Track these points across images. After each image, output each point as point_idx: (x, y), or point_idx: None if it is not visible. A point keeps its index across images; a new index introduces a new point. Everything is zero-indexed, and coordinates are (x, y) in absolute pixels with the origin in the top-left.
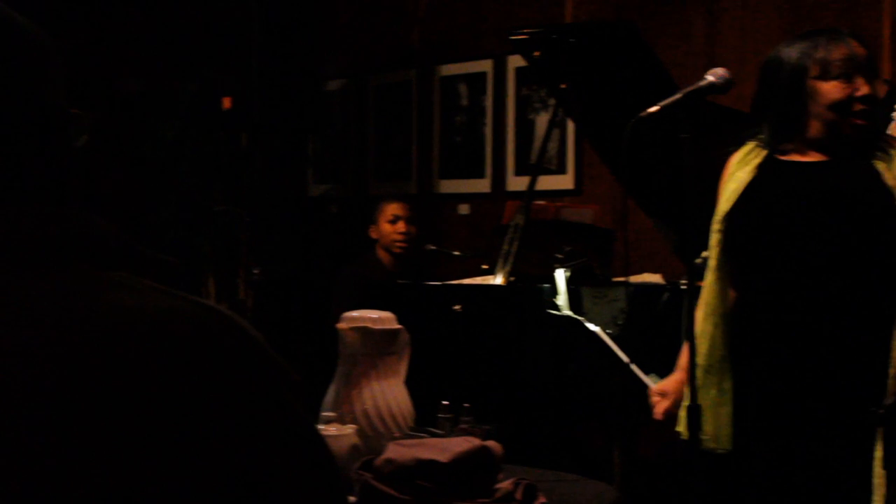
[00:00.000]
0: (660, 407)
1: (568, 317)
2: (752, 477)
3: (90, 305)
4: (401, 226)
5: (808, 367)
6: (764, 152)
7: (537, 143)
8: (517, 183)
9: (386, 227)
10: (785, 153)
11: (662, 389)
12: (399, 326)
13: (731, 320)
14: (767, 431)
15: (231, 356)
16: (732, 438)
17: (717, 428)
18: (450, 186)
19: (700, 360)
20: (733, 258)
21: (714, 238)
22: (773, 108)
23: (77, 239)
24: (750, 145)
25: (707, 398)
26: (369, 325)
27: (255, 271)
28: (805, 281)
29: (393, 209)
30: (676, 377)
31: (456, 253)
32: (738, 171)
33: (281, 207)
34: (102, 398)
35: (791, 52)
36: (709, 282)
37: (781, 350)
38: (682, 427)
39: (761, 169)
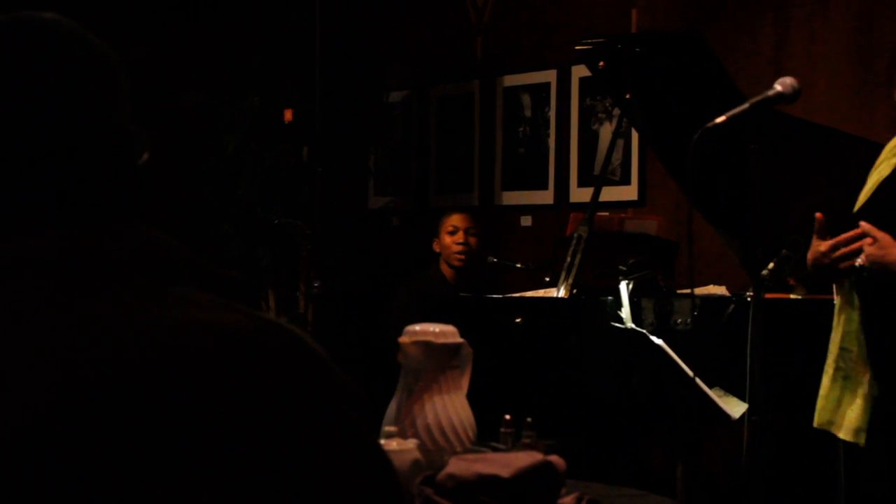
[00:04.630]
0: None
1: (631, 330)
2: (879, 473)
3: (155, 320)
4: (460, 237)
5: None
6: None
7: (601, 154)
8: (580, 194)
9: (446, 239)
10: None
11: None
12: (461, 340)
13: (869, 316)
14: None
15: (294, 371)
16: (866, 434)
17: (846, 418)
18: (512, 198)
19: (836, 350)
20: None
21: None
22: None
23: (141, 254)
24: None
25: (844, 389)
26: (431, 338)
27: (316, 285)
28: None
29: (453, 221)
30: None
31: (518, 265)
32: (885, 162)
33: (342, 220)
34: (167, 413)
35: None
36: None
37: None
38: (816, 415)
39: None
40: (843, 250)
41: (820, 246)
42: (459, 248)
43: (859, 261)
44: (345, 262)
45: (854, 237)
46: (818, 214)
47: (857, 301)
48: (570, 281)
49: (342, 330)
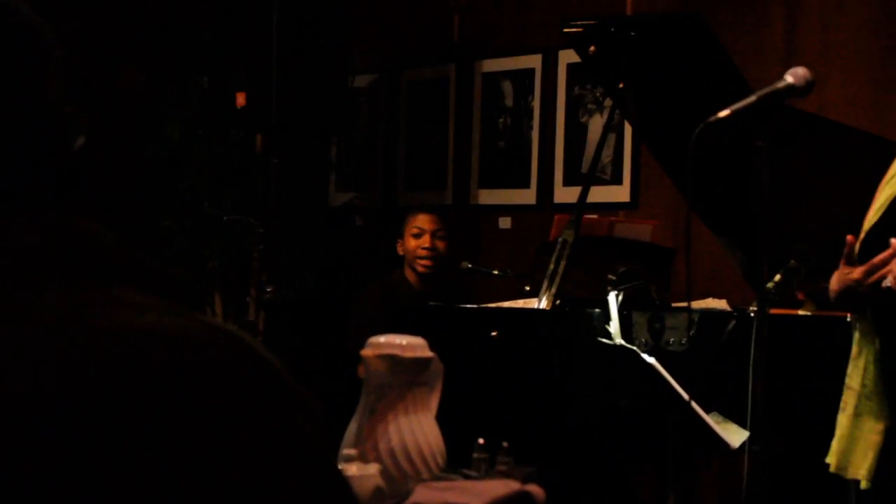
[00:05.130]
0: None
1: (621, 346)
2: None
3: (87, 326)
4: (426, 241)
5: None
6: None
7: (590, 150)
8: (566, 194)
9: (410, 242)
10: None
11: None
12: (431, 354)
13: (887, 348)
14: None
15: (245, 383)
16: (875, 473)
17: (864, 459)
18: (490, 197)
19: (857, 386)
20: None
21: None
22: None
23: (76, 251)
24: None
25: (861, 429)
26: (398, 352)
27: (268, 290)
28: None
29: (418, 222)
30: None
31: (495, 272)
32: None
33: (299, 218)
34: (102, 432)
35: None
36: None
37: None
38: (832, 458)
39: None
40: (879, 274)
41: (852, 273)
42: (424, 252)
43: (887, 282)
44: (301, 265)
45: (887, 259)
46: (849, 238)
47: (877, 332)
48: (553, 291)
49: (297, 340)
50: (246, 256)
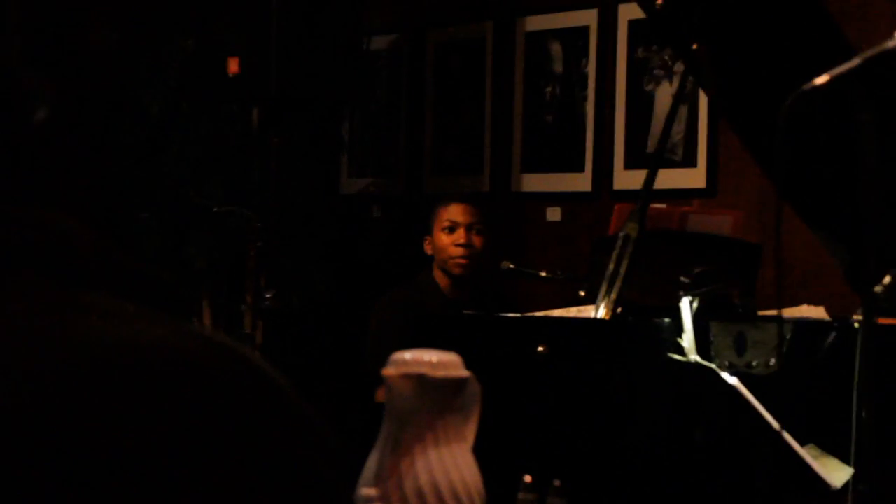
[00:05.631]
0: None
1: (696, 364)
2: None
3: (57, 337)
4: (460, 236)
5: None
6: None
7: (657, 125)
8: (628, 179)
9: (442, 239)
10: None
11: None
12: (467, 374)
13: None
14: None
15: (247, 409)
16: None
17: None
18: (536, 183)
19: None
20: None
21: None
22: None
23: (41, 248)
24: None
25: None
26: (427, 371)
27: (268, 296)
28: None
29: (451, 214)
30: None
31: (542, 274)
32: None
33: (305, 210)
34: (75, 461)
35: None
36: None
37: None
38: None
39: None
40: None
41: None
42: (459, 251)
43: None
44: (308, 267)
45: None
46: None
47: None
48: (614, 297)
49: (303, 358)
50: (240, 256)
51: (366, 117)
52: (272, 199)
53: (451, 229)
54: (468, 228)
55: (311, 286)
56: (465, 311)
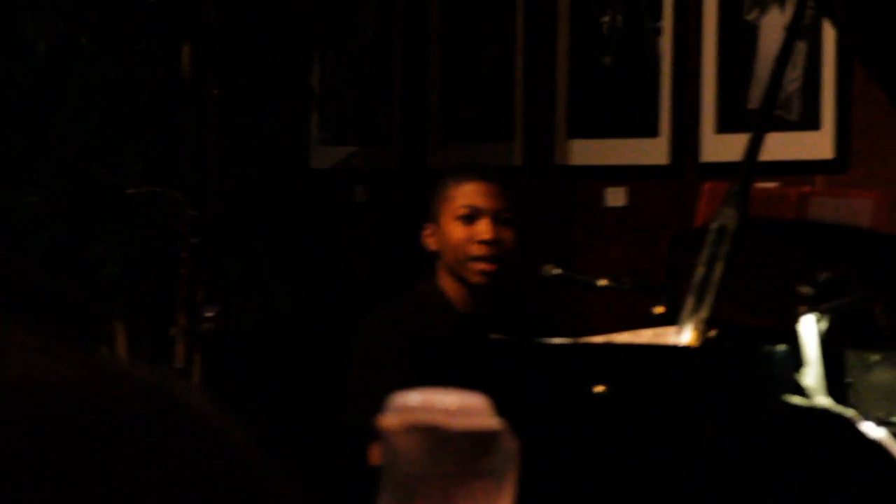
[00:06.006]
0: None
1: (824, 410)
2: None
3: None
4: (484, 229)
5: None
6: None
7: (762, 72)
8: (722, 147)
9: (455, 232)
10: None
11: None
12: (498, 425)
13: None
14: None
15: (176, 470)
16: None
17: None
18: (589, 153)
19: None
20: None
21: None
22: None
23: None
24: None
25: None
26: (443, 421)
27: (209, 314)
28: None
29: (468, 196)
30: None
31: (601, 282)
32: None
33: (259, 191)
34: None
35: None
36: None
37: None
38: None
39: None
40: None
41: None
42: (482, 250)
43: None
44: (264, 272)
45: None
46: None
47: None
48: (704, 314)
49: (259, 401)
50: (168, 257)
51: (345, 62)
52: (212, 177)
53: (470, 218)
54: (495, 218)
55: (270, 300)
56: (490, 336)
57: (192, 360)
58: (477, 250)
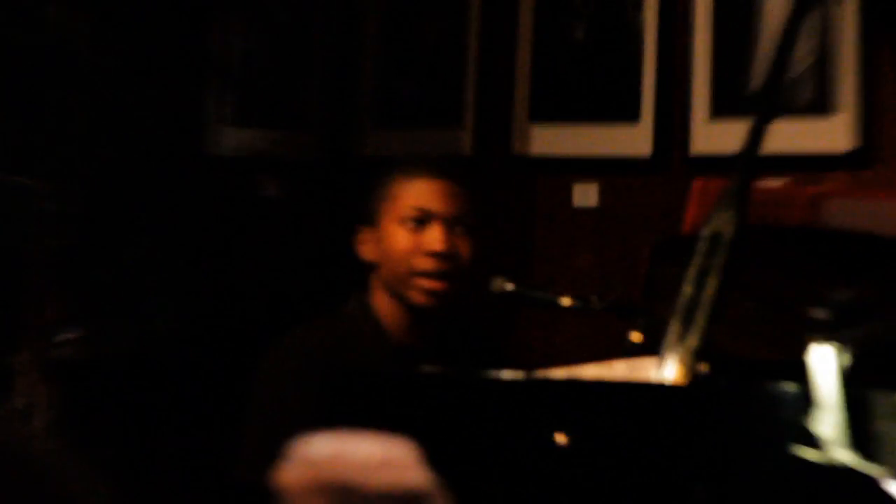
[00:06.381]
0: None
1: (842, 466)
2: None
3: None
4: (434, 237)
5: None
6: None
7: (767, 44)
8: (716, 136)
9: (398, 239)
10: None
11: None
12: (427, 483)
13: None
14: None
15: None
16: None
17: None
18: (556, 141)
19: None
20: None
21: None
22: None
23: None
24: None
25: None
26: (358, 477)
27: (66, 337)
28: None
29: (418, 196)
30: None
31: (565, 302)
32: None
33: (139, 181)
34: None
35: None
36: None
37: None
38: None
39: None
40: None
41: None
42: (432, 263)
43: None
44: (141, 285)
45: None
46: None
47: None
48: (694, 343)
49: (130, 450)
50: (14, 262)
51: (253, 20)
52: (78, 161)
53: (419, 222)
54: (449, 224)
55: (148, 320)
56: (424, 367)
57: (39, 397)
58: (424, 263)
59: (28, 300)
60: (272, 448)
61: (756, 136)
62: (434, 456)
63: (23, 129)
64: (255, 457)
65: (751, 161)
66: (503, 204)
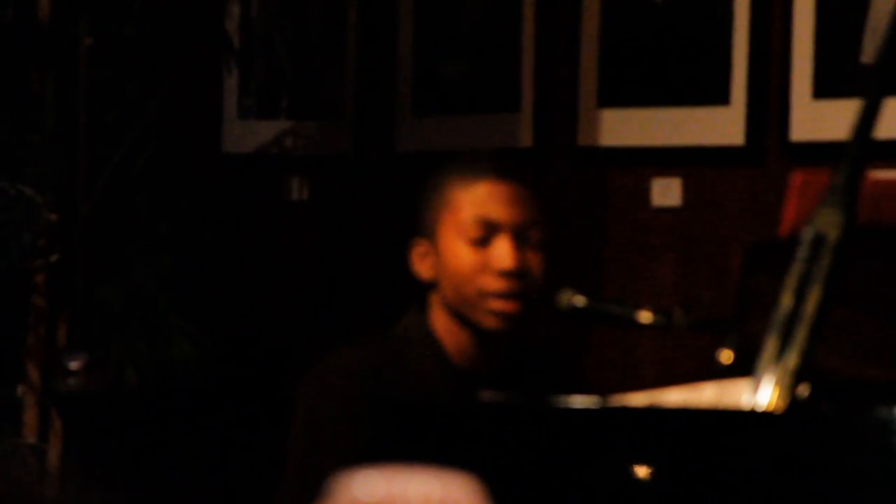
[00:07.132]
0: None
1: None
2: None
3: None
4: (503, 253)
5: None
6: None
7: (878, 9)
8: (819, 119)
9: (461, 256)
10: None
11: None
12: None
13: None
14: None
15: None
16: None
17: None
18: (628, 128)
19: None
20: None
21: None
22: None
23: None
24: None
25: None
26: None
27: (73, 366)
28: None
29: (479, 203)
30: None
31: (645, 317)
32: None
33: (150, 186)
34: None
35: None
36: None
37: None
38: None
39: None
40: None
41: None
42: (503, 284)
43: None
44: (157, 304)
45: None
46: None
47: None
48: (794, 364)
49: (148, 491)
50: (14, 281)
51: (277, 1)
52: (81, 166)
53: (484, 239)
54: (518, 236)
55: (165, 343)
56: (487, 394)
57: (49, 433)
58: (493, 284)
59: (32, 325)
60: (315, 484)
61: (868, 119)
62: (499, 495)
63: (21, 127)
64: (296, 494)
65: (861, 148)
66: (569, 203)
